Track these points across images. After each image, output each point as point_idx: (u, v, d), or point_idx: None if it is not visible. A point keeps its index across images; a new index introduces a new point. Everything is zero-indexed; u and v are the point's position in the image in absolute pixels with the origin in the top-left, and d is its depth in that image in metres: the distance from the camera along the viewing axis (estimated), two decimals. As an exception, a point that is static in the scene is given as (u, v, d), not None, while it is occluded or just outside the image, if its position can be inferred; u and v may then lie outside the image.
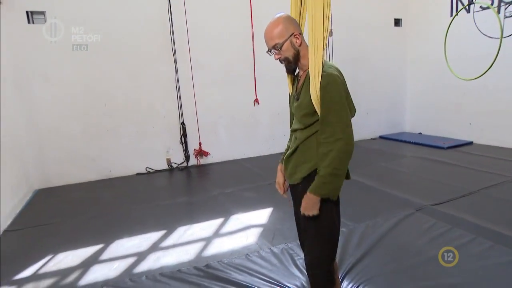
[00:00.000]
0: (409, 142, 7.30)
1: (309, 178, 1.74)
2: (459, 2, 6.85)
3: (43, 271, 3.08)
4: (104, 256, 3.33)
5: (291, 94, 1.93)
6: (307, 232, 1.85)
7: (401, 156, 6.34)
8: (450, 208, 3.75)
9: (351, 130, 1.68)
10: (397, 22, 8.04)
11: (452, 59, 5.52)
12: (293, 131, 1.88)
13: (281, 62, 1.79)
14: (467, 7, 6.59)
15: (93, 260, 3.25)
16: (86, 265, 3.15)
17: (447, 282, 2.32)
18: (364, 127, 7.86)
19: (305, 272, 2.14)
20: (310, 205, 1.68)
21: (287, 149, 1.99)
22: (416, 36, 7.95)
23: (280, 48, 1.71)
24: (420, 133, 8.02)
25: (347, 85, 1.77)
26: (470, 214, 3.54)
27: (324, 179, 1.63)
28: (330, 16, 1.70)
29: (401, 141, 7.51)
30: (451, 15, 6.86)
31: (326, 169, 1.62)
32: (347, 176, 1.83)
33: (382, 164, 5.80)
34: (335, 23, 6.97)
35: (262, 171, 5.80)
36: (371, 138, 7.97)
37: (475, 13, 6.55)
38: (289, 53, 1.73)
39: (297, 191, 1.86)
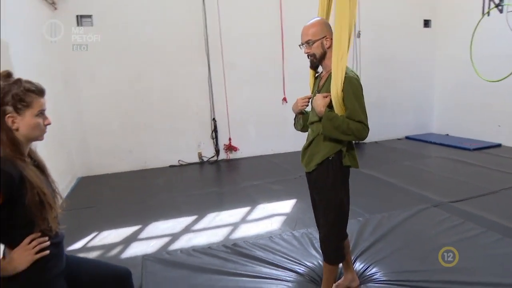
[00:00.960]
0: (435, 143, 7.33)
1: (322, 164, 2.03)
2: (491, 3, 6.79)
3: (90, 245, 3.52)
4: (142, 235, 3.74)
5: (313, 89, 2.21)
6: (320, 212, 2.14)
7: (425, 156, 6.43)
8: (467, 206, 3.89)
9: (368, 126, 1.94)
10: (427, 23, 8.06)
11: (484, 59, 5.50)
12: (310, 123, 2.16)
13: (308, 57, 2.08)
14: (499, 7, 6.55)
15: (132, 238, 3.66)
16: (127, 241, 3.57)
17: (454, 267, 2.52)
18: (389, 127, 7.97)
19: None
20: (321, 105, 1.94)
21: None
22: (445, 37, 7.94)
23: (312, 44, 2.00)
24: (447, 135, 8.02)
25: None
26: (486, 211, 3.68)
27: (338, 121, 1.88)
28: (355, 26, 1.97)
29: (427, 142, 7.55)
30: (488, 15, 6.80)
31: (343, 122, 1.88)
32: (355, 165, 2.08)
33: (405, 163, 5.94)
34: (363, 24, 7.16)
35: (288, 167, 6.07)
36: (397, 139, 8.06)
37: (508, 13, 6.49)
38: (317, 51, 2.02)
39: (311, 178, 2.16)
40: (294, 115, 2.34)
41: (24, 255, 1.28)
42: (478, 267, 2.54)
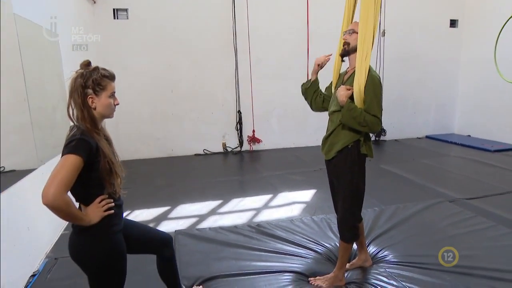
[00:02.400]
0: (455, 143, 7.40)
1: (342, 152, 2.29)
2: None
3: (125, 221, 3.84)
4: (172, 215, 4.06)
5: (337, 82, 2.45)
6: (338, 195, 2.39)
7: (444, 155, 6.53)
8: (481, 203, 4.04)
9: (381, 121, 2.19)
10: (453, 23, 8.07)
11: (510, 60, 5.48)
12: (330, 113, 2.39)
13: (343, 45, 2.31)
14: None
15: (163, 217, 3.99)
16: (158, 220, 3.89)
17: (460, 254, 2.70)
18: (410, 126, 8.08)
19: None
20: (343, 95, 2.18)
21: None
22: (472, 37, 7.93)
23: (351, 33, 2.26)
24: (469, 136, 8.04)
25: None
26: (499, 208, 3.82)
27: (356, 112, 2.13)
28: (378, 28, 2.20)
29: (447, 141, 7.62)
30: (512, 16, 6.78)
31: (361, 114, 2.12)
32: (371, 154, 2.32)
33: (423, 161, 6.07)
34: (389, 23, 7.26)
35: (309, 159, 6.30)
36: (417, 137, 8.14)
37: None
38: (352, 42, 2.26)
39: (331, 165, 2.41)
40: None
41: (96, 211, 1.58)
42: (482, 255, 2.73)
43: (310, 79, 2.60)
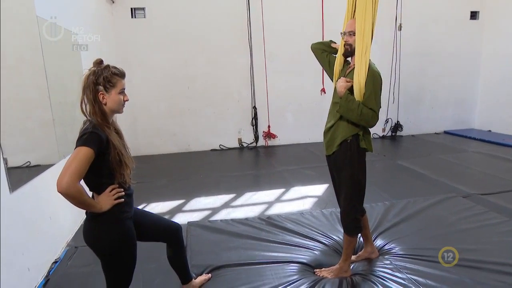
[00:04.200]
0: (474, 139, 7.25)
1: (341, 146, 2.36)
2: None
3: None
4: (186, 208, 4.19)
5: (339, 73, 2.50)
6: (340, 189, 2.46)
7: (462, 150, 6.42)
8: (495, 198, 3.99)
9: (377, 115, 2.25)
10: (474, 15, 7.85)
11: None
12: (334, 102, 2.44)
13: (345, 46, 2.37)
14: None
15: (177, 209, 4.12)
16: (172, 212, 4.04)
17: (468, 247, 2.72)
18: (428, 121, 7.96)
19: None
20: (342, 86, 2.26)
21: None
22: (493, 30, 7.72)
23: (353, 35, 2.29)
24: (490, 131, 7.87)
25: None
26: (514, 204, 3.77)
27: (354, 104, 2.20)
28: (375, 23, 2.23)
29: (466, 137, 7.47)
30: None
31: (358, 106, 2.19)
32: (370, 148, 2.37)
33: (439, 156, 5.99)
34: (405, 17, 7.16)
35: (323, 154, 6.27)
36: (435, 133, 8.02)
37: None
38: (354, 43, 2.30)
39: (331, 160, 2.51)
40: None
41: (107, 199, 1.70)
42: (491, 249, 2.73)
43: (325, 45, 2.69)
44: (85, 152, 1.55)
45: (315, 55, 2.78)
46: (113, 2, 6.23)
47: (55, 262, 2.98)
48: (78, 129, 1.67)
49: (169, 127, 6.92)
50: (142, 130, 6.79)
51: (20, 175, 2.61)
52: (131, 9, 6.42)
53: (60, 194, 1.50)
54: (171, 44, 6.61)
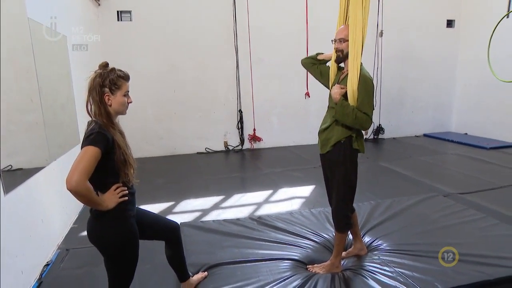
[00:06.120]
0: (452, 141, 7.55)
1: (335, 146, 2.46)
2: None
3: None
4: (176, 209, 4.24)
5: (333, 81, 2.61)
6: (332, 188, 2.57)
7: (441, 152, 6.69)
8: (474, 197, 4.22)
9: (371, 119, 2.37)
10: (450, 23, 8.21)
11: (505, 59, 5.59)
12: (330, 107, 2.55)
13: (336, 52, 2.47)
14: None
15: (167, 212, 4.16)
16: (163, 214, 4.00)
17: (450, 242, 2.87)
18: (408, 124, 8.24)
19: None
20: (337, 93, 2.37)
21: None
22: (469, 37, 8.07)
23: (343, 42, 2.40)
24: (466, 134, 8.19)
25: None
26: (490, 202, 4.02)
27: (348, 109, 2.32)
28: (366, 28, 2.35)
29: (444, 139, 7.76)
30: (507, 17, 6.90)
31: (353, 111, 2.30)
32: (363, 150, 2.49)
33: (420, 158, 6.23)
34: (386, 24, 7.42)
35: (309, 157, 6.45)
36: (415, 135, 8.30)
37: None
38: (345, 49, 2.41)
39: (325, 159, 2.60)
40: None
41: (112, 198, 1.75)
42: (471, 243, 2.90)
43: (316, 58, 2.76)
44: (93, 151, 1.60)
45: (306, 69, 2.87)
46: (99, 4, 6.21)
47: (47, 264, 2.97)
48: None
49: (155, 130, 6.93)
50: (129, 133, 6.63)
51: (12, 177, 2.60)
52: (117, 12, 6.42)
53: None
54: (158, 47, 6.64)
